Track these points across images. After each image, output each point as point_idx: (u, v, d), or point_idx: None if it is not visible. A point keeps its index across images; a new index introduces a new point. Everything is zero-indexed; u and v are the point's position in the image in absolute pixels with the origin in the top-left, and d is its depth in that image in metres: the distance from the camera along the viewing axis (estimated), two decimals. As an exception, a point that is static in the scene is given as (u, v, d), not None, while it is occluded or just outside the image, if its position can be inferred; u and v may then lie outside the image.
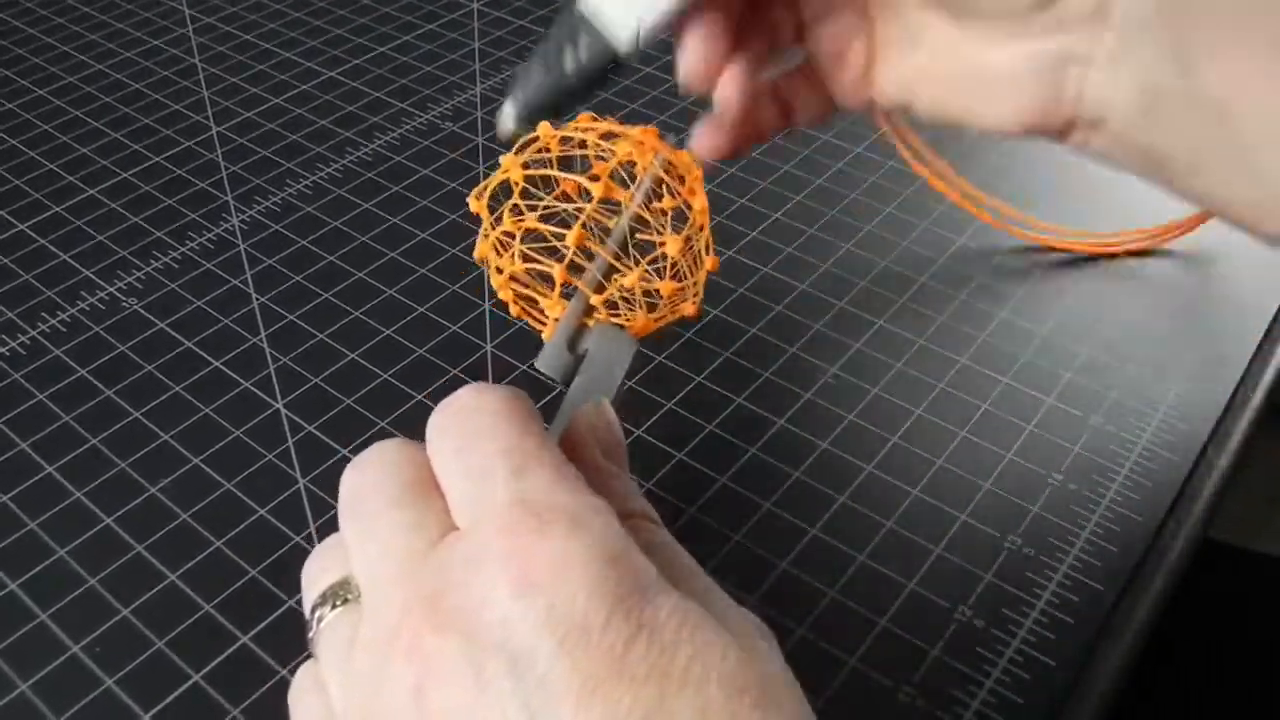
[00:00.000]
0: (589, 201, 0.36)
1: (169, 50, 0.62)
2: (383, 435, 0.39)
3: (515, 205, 0.36)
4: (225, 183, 0.51)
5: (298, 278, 0.46)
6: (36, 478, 0.38)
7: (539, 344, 0.41)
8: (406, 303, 0.44)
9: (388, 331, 0.43)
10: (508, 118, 0.34)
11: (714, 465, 0.38)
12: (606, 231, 0.36)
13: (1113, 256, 0.46)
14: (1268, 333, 0.42)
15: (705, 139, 0.37)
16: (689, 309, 0.37)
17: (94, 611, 0.34)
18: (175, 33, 0.63)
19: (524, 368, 0.41)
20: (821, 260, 0.46)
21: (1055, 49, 0.34)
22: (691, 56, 0.36)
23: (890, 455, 0.38)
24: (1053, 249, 0.46)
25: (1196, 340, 0.42)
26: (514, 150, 0.37)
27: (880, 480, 0.37)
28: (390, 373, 0.41)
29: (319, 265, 0.46)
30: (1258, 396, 0.40)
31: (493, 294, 0.44)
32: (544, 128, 0.36)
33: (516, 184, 0.36)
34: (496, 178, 0.36)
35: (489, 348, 0.42)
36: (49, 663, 0.33)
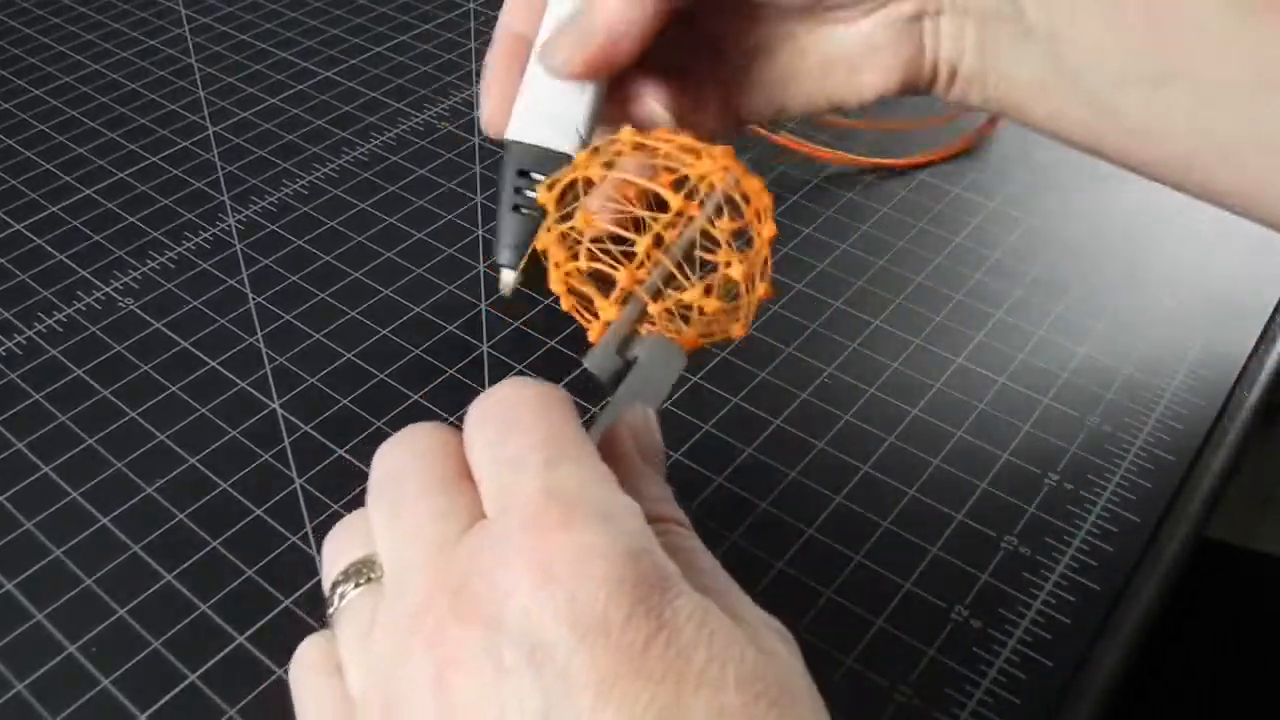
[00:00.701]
0: (661, 212, 0.36)
1: (165, 50, 0.62)
2: (379, 435, 0.39)
3: (583, 201, 0.36)
4: (221, 183, 0.51)
5: (294, 278, 0.46)
6: (33, 478, 0.38)
7: (541, 343, 0.41)
8: (403, 303, 0.44)
9: (384, 331, 0.43)
10: (507, 276, 0.36)
11: (710, 465, 0.38)
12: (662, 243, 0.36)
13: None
14: (1263, 333, 0.42)
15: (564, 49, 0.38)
16: (737, 330, 0.37)
17: (90, 611, 0.34)
18: (171, 32, 0.63)
19: (520, 367, 0.41)
20: (818, 260, 0.46)
21: (907, 9, 0.37)
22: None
23: (887, 455, 0.38)
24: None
25: (1193, 340, 0.42)
26: (589, 150, 0.37)
27: (877, 480, 0.37)
28: (386, 373, 0.41)
29: (315, 265, 0.46)
30: (1253, 397, 0.40)
31: (490, 294, 0.44)
32: (625, 131, 0.37)
33: (592, 181, 0.36)
34: (569, 174, 0.37)
35: (485, 348, 0.42)
36: (45, 662, 0.33)
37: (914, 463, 0.38)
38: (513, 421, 0.26)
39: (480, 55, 0.60)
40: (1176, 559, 0.35)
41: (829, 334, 0.42)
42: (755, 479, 0.37)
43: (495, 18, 0.65)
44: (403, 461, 0.26)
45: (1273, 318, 0.43)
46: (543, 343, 0.42)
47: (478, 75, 0.58)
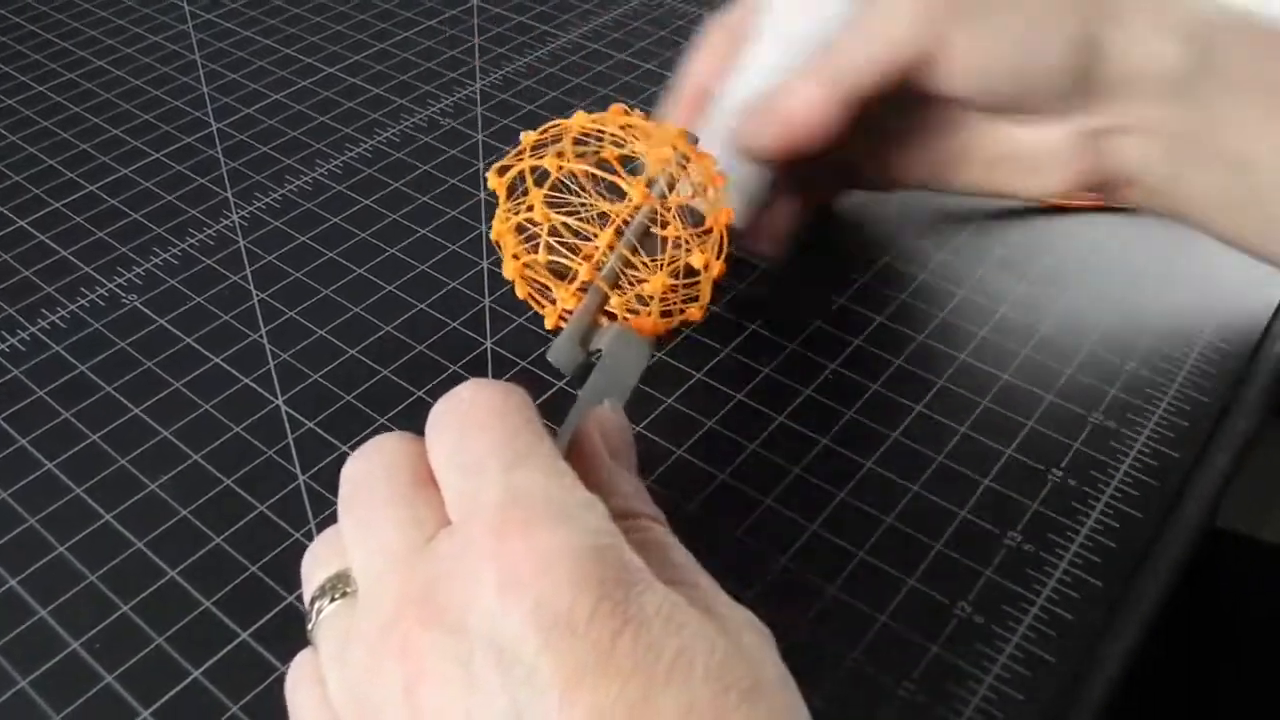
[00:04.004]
0: (602, 194, 0.36)
1: (169, 46, 0.62)
2: (383, 431, 0.39)
3: (540, 193, 0.36)
4: (225, 179, 0.51)
5: (298, 274, 0.46)
6: (36, 474, 0.38)
7: (544, 338, 0.41)
8: (406, 299, 0.44)
9: (388, 328, 0.43)
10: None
11: (713, 461, 0.38)
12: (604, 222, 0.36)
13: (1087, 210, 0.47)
14: (1268, 328, 0.42)
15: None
16: (695, 314, 0.37)
17: (94, 608, 0.34)
18: (175, 29, 0.63)
19: (524, 364, 0.41)
20: (821, 256, 0.46)
21: (1092, 125, 0.38)
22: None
23: (890, 451, 0.38)
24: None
25: (1198, 336, 0.42)
26: (538, 131, 0.37)
27: (880, 475, 0.37)
28: (390, 369, 0.41)
29: (319, 261, 0.46)
30: (1259, 392, 0.40)
31: (494, 290, 0.44)
32: (578, 115, 0.37)
33: (555, 171, 0.36)
34: (526, 163, 0.36)
35: (489, 344, 0.42)
36: (49, 659, 0.33)
37: (917, 458, 0.38)
38: (472, 425, 0.26)
39: (483, 51, 0.60)
40: (1181, 555, 0.35)
41: (832, 331, 0.42)
42: (758, 475, 0.37)
43: (498, 13, 0.65)
44: (366, 474, 0.27)
45: (1278, 310, 0.43)
46: (546, 339, 0.42)
47: (481, 71, 0.58)
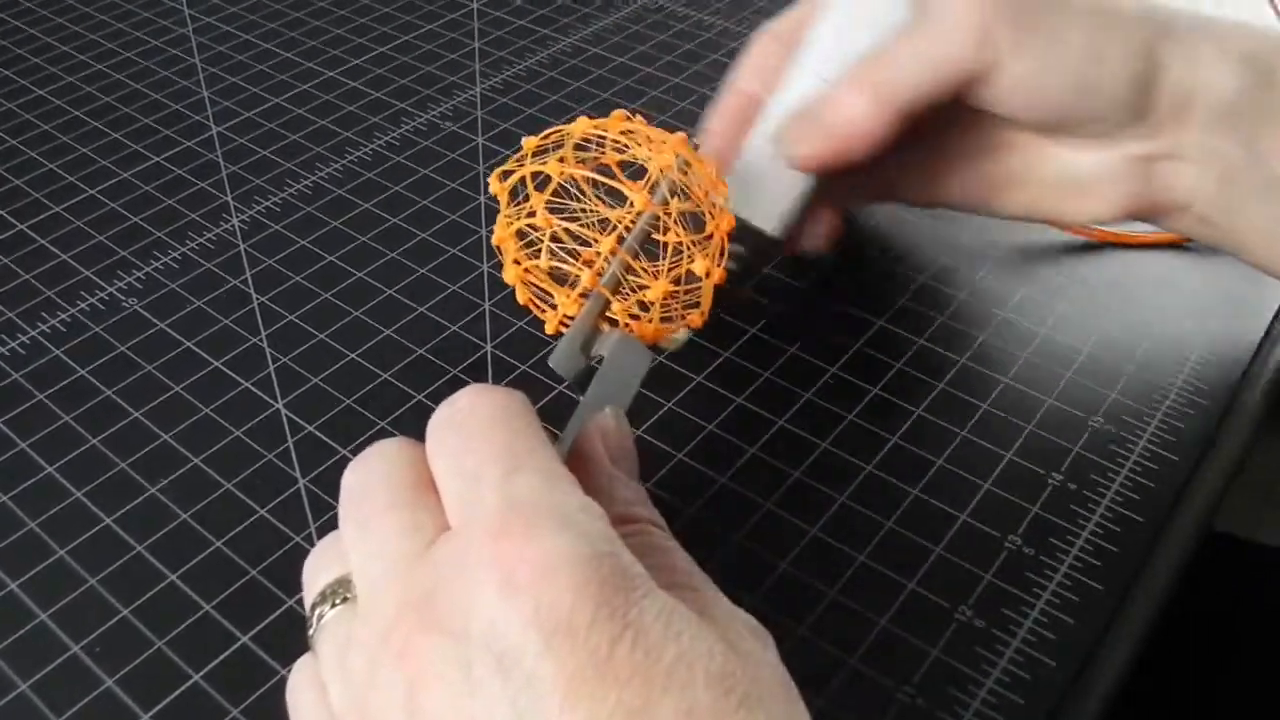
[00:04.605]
0: (604, 199, 0.36)
1: (169, 50, 0.62)
2: (383, 435, 0.39)
3: (542, 198, 0.36)
4: (225, 183, 0.51)
5: (298, 278, 0.46)
6: (36, 478, 0.38)
7: (544, 341, 0.41)
8: (406, 303, 0.44)
9: (388, 331, 0.43)
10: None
11: (714, 465, 0.38)
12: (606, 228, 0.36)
13: (1127, 246, 0.46)
14: (1268, 331, 0.42)
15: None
16: (696, 320, 0.37)
17: (94, 611, 0.34)
18: (175, 32, 0.63)
19: (524, 368, 0.41)
20: (820, 260, 0.46)
21: (1143, 150, 0.37)
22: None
23: (890, 455, 0.38)
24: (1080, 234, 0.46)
25: (1197, 339, 0.42)
26: (540, 137, 0.37)
27: (880, 480, 0.37)
28: (390, 373, 0.41)
29: (319, 265, 0.46)
30: (1258, 396, 0.40)
31: (494, 294, 0.44)
32: (581, 121, 0.37)
33: (558, 176, 0.36)
34: (528, 168, 0.36)
35: (489, 348, 0.42)
36: (49, 663, 0.33)
37: (917, 462, 0.38)
38: (472, 431, 0.26)
39: (483, 55, 0.60)
40: (1181, 558, 0.35)
41: (831, 335, 0.42)
42: (758, 479, 0.37)
43: (498, 17, 0.65)
44: (367, 479, 0.27)
45: (1278, 314, 0.43)
46: (546, 343, 0.42)
47: (481, 75, 0.58)
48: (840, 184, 0.40)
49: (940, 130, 0.39)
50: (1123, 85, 0.35)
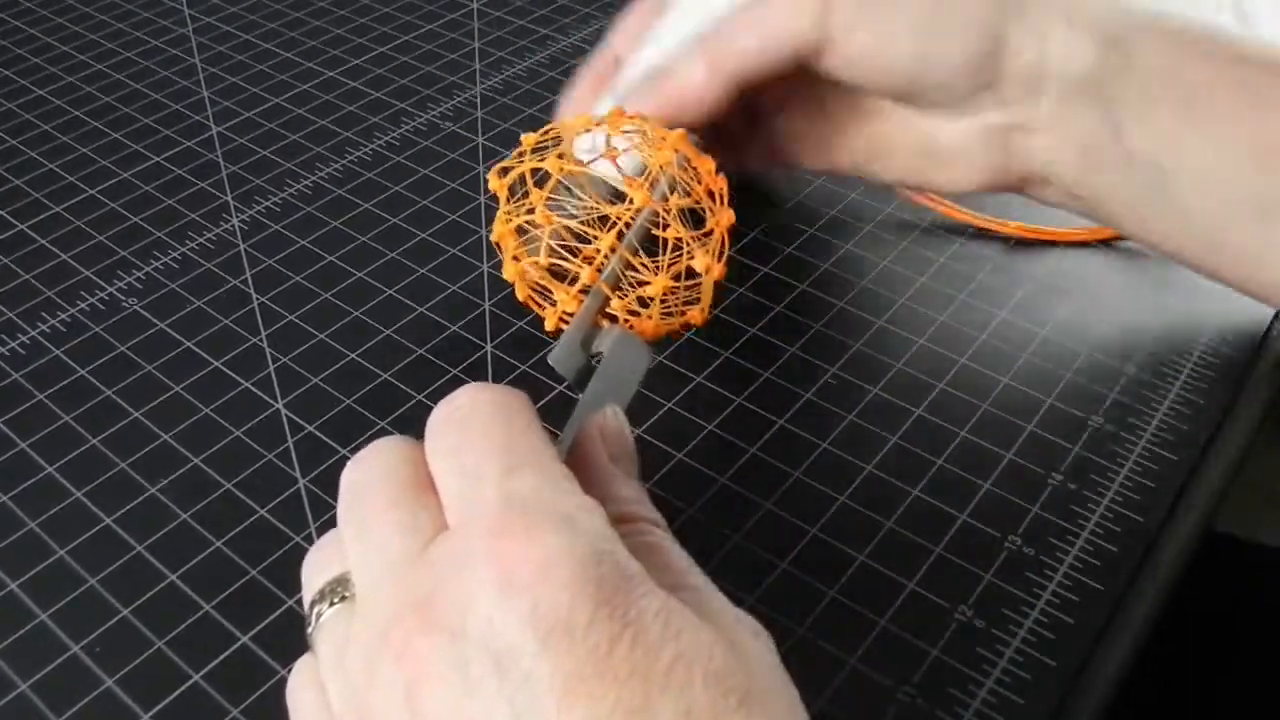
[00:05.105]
0: (603, 196, 0.36)
1: (169, 50, 0.62)
2: (383, 435, 0.39)
3: (541, 195, 0.36)
4: (225, 183, 0.51)
5: (298, 278, 0.46)
6: (36, 478, 0.38)
7: (545, 342, 0.41)
8: (406, 303, 0.44)
9: (388, 331, 0.43)
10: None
11: (714, 465, 0.38)
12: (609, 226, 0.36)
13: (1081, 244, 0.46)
14: (1268, 331, 0.42)
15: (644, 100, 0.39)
16: (696, 317, 0.37)
17: (94, 611, 0.34)
18: (175, 32, 0.63)
19: (524, 368, 0.41)
20: (821, 260, 0.46)
21: (999, 121, 0.38)
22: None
23: (890, 455, 0.38)
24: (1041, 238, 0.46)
25: (1197, 340, 0.42)
26: (539, 133, 0.37)
27: (880, 480, 0.37)
28: (390, 373, 0.41)
29: (319, 265, 0.46)
30: (1258, 396, 0.40)
31: (494, 294, 0.44)
32: (579, 118, 0.37)
33: (557, 173, 0.36)
34: (527, 164, 0.36)
35: (489, 348, 0.42)
36: (49, 663, 0.33)
37: (917, 462, 0.38)
38: (470, 429, 0.26)
39: (483, 55, 0.60)
40: (1180, 558, 0.35)
41: (832, 334, 0.42)
42: (758, 479, 0.37)
43: (498, 17, 0.65)
44: (366, 478, 0.27)
45: (1278, 314, 0.43)
46: (546, 342, 0.42)
47: (481, 75, 0.58)
48: (724, 140, 0.41)
49: (814, 97, 0.40)
50: (967, 53, 0.36)
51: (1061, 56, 0.35)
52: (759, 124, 0.42)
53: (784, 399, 0.40)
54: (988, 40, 0.36)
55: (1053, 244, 0.46)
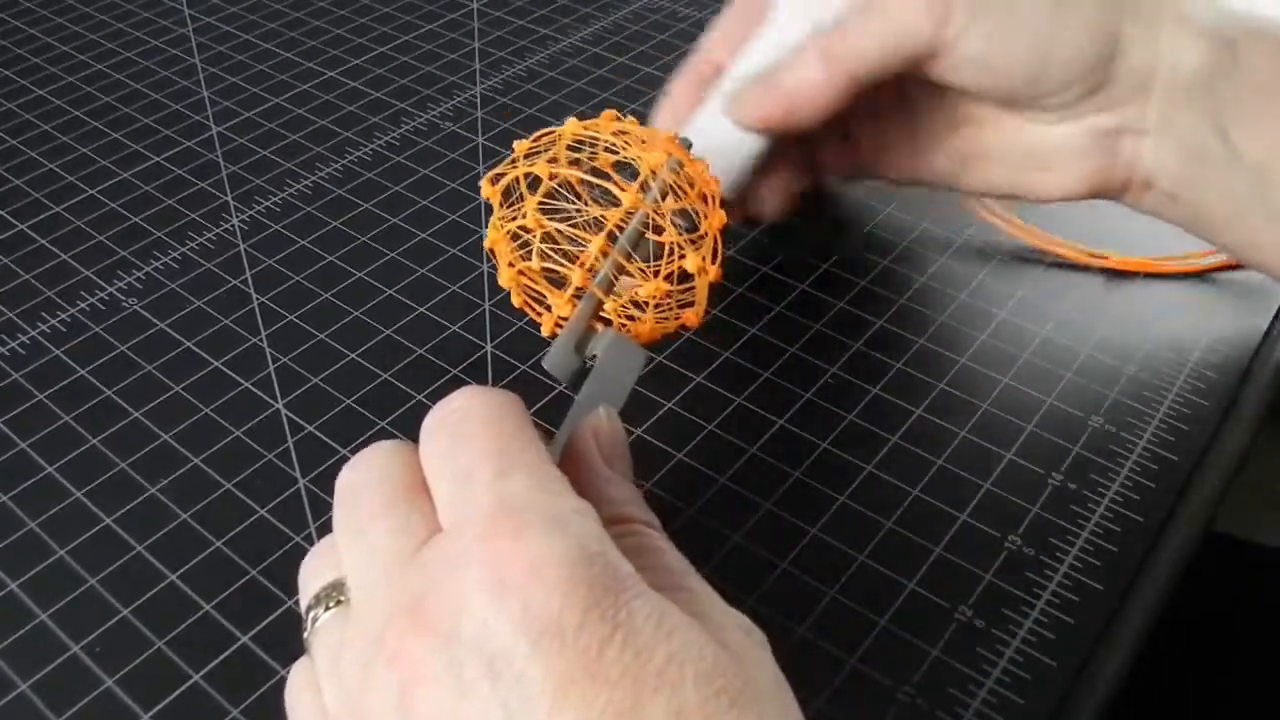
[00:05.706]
0: (596, 200, 0.36)
1: (169, 50, 0.62)
2: (382, 435, 0.39)
3: (534, 200, 0.36)
4: (225, 183, 0.51)
5: (298, 278, 0.46)
6: (36, 478, 0.38)
7: (544, 341, 0.41)
8: (406, 303, 0.44)
9: (388, 331, 0.43)
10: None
11: (714, 465, 0.38)
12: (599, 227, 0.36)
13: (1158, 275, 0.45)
14: (1268, 331, 0.42)
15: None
16: (692, 319, 0.37)
17: (94, 611, 0.34)
18: (175, 32, 0.63)
19: (524, 368, 0.41)
20: (821, 260, 0.46)
21: (1108, 124, 0.37)
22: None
23: (890, 455, 0.38)
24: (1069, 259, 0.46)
25: (1198, 339, 0.42)
26: (531, 139, 0.37)
27: (880, 480, 0.37)
28: (390, 373, 0.41)
29: (319, 265, 0.46)
30: (1258, 396, 0.40)
31: (494, 294, 0.44)
32: (570, 122, 0.37)
33: (547, 178, 0.36)
34: (519, 170, 0.36)
35: (489, 348, 0.42)
36: (49, 663, 0.33)
37: (917, 463, 0.38)
38: (464, 433, 0.26)
39: (483, 55, 0.60)
40: (1180, 559, 0.35)
41: (832, 335, 0.42)
42: (758, 479, 0.37)
43: (498, 17, 0.65)
44: (361, 480, 0.27)
45: (1278, 314, 0.43)
46: (546, 343, 0.42)
47: (482, 75, 0.58)
48: (802, 153, 0.41)
49: (908, 105, 0.40)
50: (1083, 56, 0.36)
51: (1175, 57, 0.35)
52: (845, 133, 0.42)
53: (784, 399, 0.40)
54: (1106, 41, 0.35)
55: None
